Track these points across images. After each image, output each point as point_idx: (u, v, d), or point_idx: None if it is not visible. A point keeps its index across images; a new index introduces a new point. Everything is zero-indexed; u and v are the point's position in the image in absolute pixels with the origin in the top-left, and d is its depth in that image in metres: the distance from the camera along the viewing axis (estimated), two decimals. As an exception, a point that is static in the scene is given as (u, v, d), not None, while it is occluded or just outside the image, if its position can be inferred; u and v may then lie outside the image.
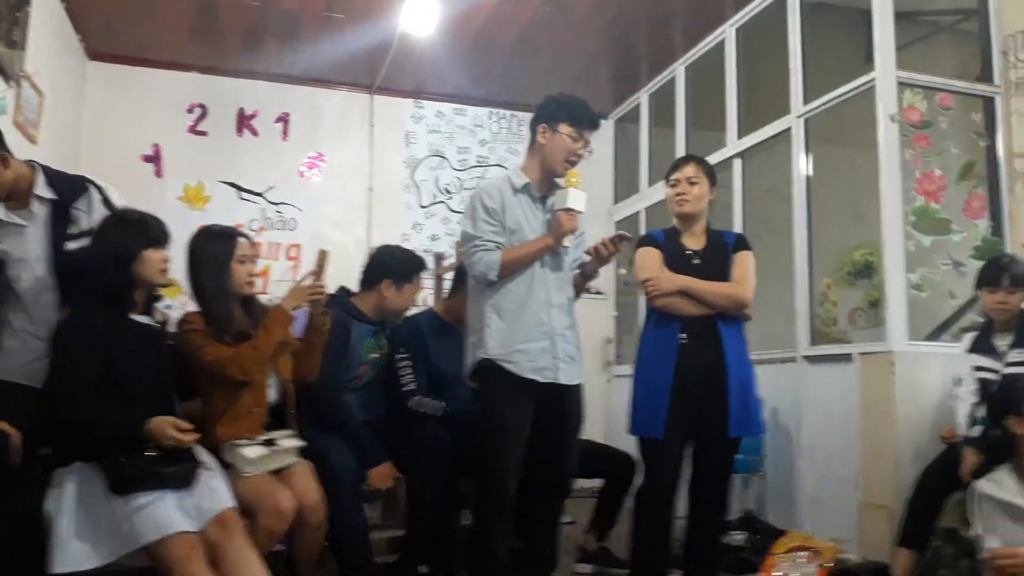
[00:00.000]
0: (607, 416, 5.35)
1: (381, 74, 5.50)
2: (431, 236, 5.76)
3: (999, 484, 2.46)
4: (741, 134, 4.74)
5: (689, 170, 2.87)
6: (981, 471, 2.70)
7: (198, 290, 2.52)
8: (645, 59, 5.49)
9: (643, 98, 5.89)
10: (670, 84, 5.52)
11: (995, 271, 3.05)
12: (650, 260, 2.83)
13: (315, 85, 5.67)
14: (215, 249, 2.53)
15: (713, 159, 4.93)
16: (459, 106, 6.01)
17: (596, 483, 3.54)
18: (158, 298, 2.45)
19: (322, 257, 2.67)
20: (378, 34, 4.90)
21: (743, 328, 2.86)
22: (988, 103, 3.84)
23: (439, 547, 2.89)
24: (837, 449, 3.76)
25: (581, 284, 2.84)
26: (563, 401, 2.68)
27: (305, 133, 5.66)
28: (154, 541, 2.05)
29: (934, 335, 3.70)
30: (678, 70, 5.41)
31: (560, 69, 5.35)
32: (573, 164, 2.71)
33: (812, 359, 3.99)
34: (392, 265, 3.16)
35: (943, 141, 3.75)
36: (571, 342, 2.72)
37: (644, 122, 5.86)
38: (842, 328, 3.87)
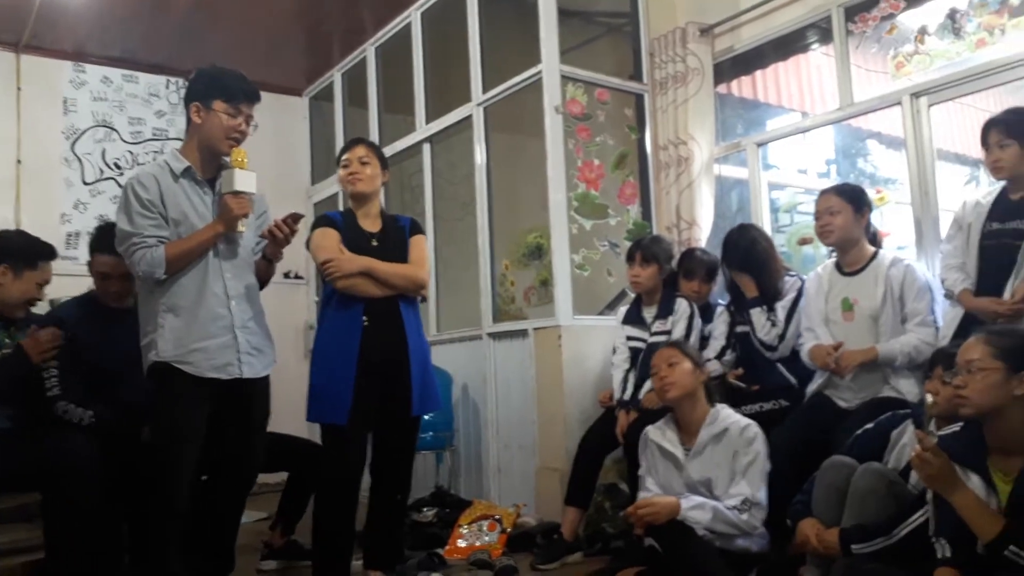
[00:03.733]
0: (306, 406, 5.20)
1: (28, 29, 4.77)
2: (98, 216, 5.10)
3: (663, 433, 2.78)
4: (429, 119, 4.83)
5: (360, 151, 2.85)
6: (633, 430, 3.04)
7: None
8: (336, 36, 5.36)
9: (336, 77, 5.77)
10: (362, 64, 5.46)
11: (632, 249, 3.45)
12: (328, 241, 2.76)
13: (-60, 37, 4.79)
14: None
15: (404, 143, 4.99)
16: (129, 72, 5.41)
17: (282, 477, 3.44)
18: None
19: None
20: (17, -19, 4.25)
21: (420, 309, 2.91)
22: (639, 99, 4.28)
23: (88, 570, 2.58)
24: (518, 419, 4.01)
25: (266, 270, 2.71)
26: (248, 396, 2.56)
27: (-71, 94, 4.76)
28: None
29: (611, 307, 4.04)
30: (369, 50, 5.37)
31: (249, 40, 5.05)
32: (237, 142, 2.55)
33: (495, 336, 4.20)
34: (8, 249, 2.76)
35: (601, 133, 4.12)
36: (256, 333, 2.59)
37: (338, 101, 5.75)
38: (519, 306, 4.12)
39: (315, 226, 2.86)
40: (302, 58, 5.68)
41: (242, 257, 2.58)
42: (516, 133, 4.46)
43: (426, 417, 4.00)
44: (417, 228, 2.93)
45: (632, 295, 3.59)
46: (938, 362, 2.30)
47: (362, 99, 5.44)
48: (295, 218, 2.57)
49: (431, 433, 4.08)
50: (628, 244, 3.74)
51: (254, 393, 2.58)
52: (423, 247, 2.88)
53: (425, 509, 3.81)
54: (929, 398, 2.11)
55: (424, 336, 2.89)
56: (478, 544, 3.38)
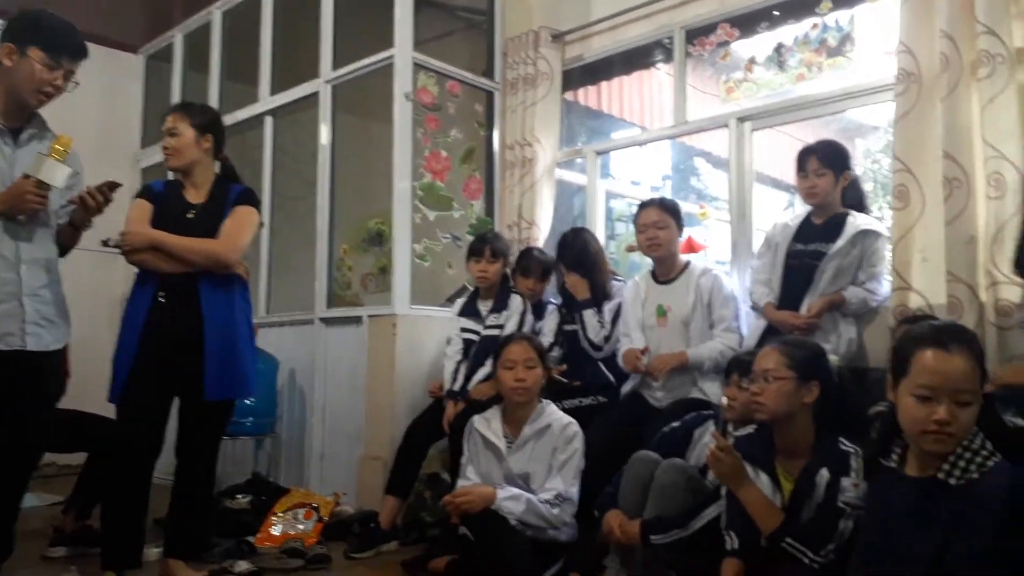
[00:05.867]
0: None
1: None
2: None
3: (489, 424, 2.81)
4: (274, 91, 4.65)
5: (168, 121, 2.66)
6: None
7: None
8: (180, -6, 5.06)
9: (177, 37, 5.41)
10: (206, 27, 5.16)
11: (480, 244, 3.46)
12: (136, 213, 2.59)
13: None
14: None
15: (245, 113, 4.77)
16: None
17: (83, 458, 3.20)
18: None
19: None
20: None
21: (239, 286, 2.74)
22: (489, 97, 4.32)
23: None
24: (346, 407, 3.94)
25: (71, 237, 2.49)
26: (35, 370, 2.33)
27: None
28: None
29: (453, 300, 4.02)
30: (215, 13, 5.09)
31: (84, -14, 4.64)
32: (48, 97, 2.33)
33: (328, 321, 4.11)
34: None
35: (451, 126, 4.13)
36: (49, 303, 2.36)
37: (178, 63, 5.40)
38: (355, 292, 4.04)
39: (135, 196, 2.69)
40: (141, 14, 5.34)
41: (42, 220, 2.35)
42: (365, 116, 4.38)
43: (247, 402, 3.87)
44: (246, 199, 2.73)
45: (471, 288, 3.62)
46: (734, 369, 2.47)
47: (203, 63, 5.14)
48: (111, 186, 2.37)
49: (251, 419, 3.93)
50: (471, 238, 3.77)
51: (42, 368, 2.36)
52: (243, 220, 2.67)
53: (239, 496, 3.66)
54: (725, 401, 2.27)
55: (238, 316, 2.68)
56: (292, 532, 3.30)
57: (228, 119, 4.82)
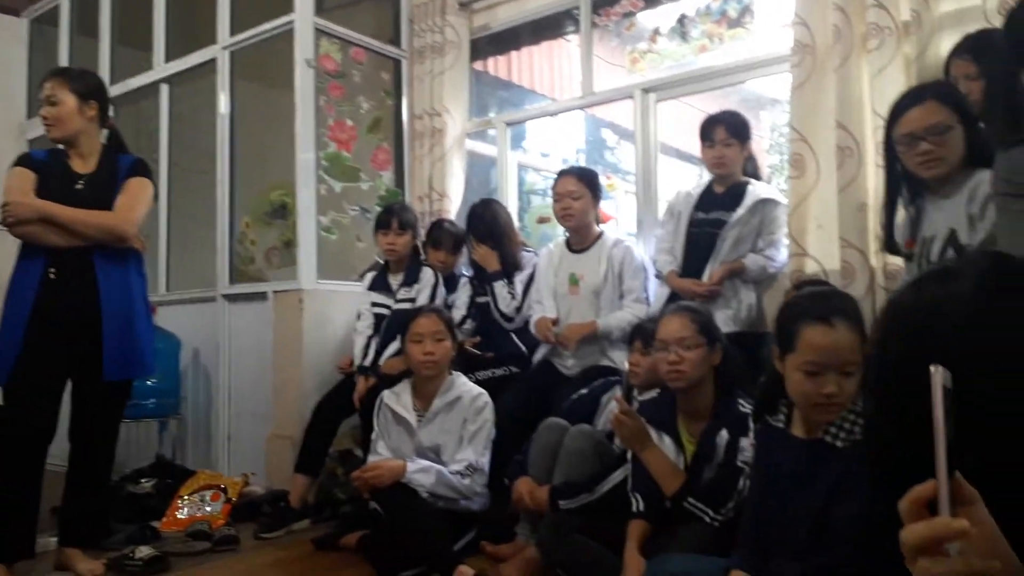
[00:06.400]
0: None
1: None
2: None
3: (398, 396, 2.77)
4: (169, 58, 4.43)
5: (46, 87, 2.51)
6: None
7: None
8: (64, -47, 4.74)
9: (63, -1, 5.09)
10: (95, -12, 4.87)
11: (386, 216, 3.40)
12: (17, 182, 2.43)
13: None
14: None
15: (139, 81, 4.54)
16: None
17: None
18: None
19: None
20: None
21: (134, 261, 2.62)
22: (396, 65, 4.22)
23: None
24: (252, 386, 3.84)
25: None
26: None
27: None
28: None
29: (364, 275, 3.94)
30: (103, -27, 4.80)
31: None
32: None
33: (231, 297, 3.98)
34: None
35: (355, 94, 4.02)
36: None
37: (64, 27, 5.08)
38: (259, 266, 3.91)
39: (13, 165, 2.52)
40: (22, -28, 4.96)
41: None
42: (266, 84, 4.21)
43: (149, 383, 3.74)
44: (138, 170, 2.61)
45: (382, 262, 3.56)
46: (637, 336, 2.51)
47: (92, 28, 4.85)
48: None
49: (153, 400, 3.79)
50: (380, 210, 3.69)
51: None
52: (138, 192, 2.57)
53: (143, 480, 3.53)
54: (626, 366, 2.31)
55: (135, 292, 2.59)
56: (199, 515, 3.20)
57: (120, 87, 4.62)
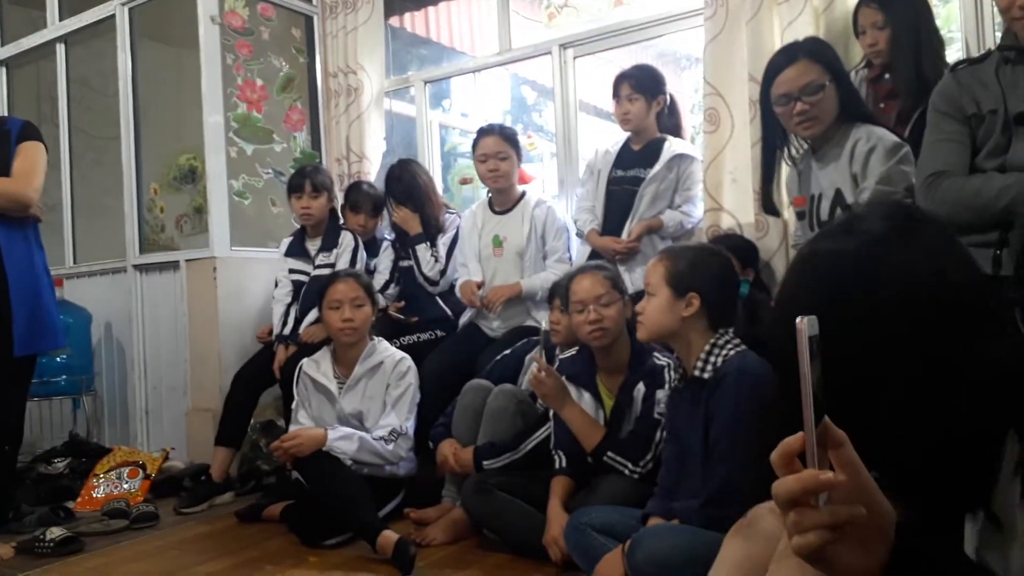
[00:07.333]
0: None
1: None
2: None
3: (318, 364, 2.70)
4: (64, 15, 4.17)
5: None
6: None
7: None
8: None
9: (-60, -49, 4.72)
10: (-23, -60, 4.53)
11: (299, 179, 3.30)
12: None
13: None
14: None
15: (32, 41, 4.28)
16: None
17: None
18: None
19: None
20: None
21: (32, 230, 2.49)
22: (308, 21, 4.06)
23: None
24: (168, 359, 3.72)
25: None
26: None
27: None
28: None
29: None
30: (-15, -77, 4.47)
31: None
32: None
33: (142, 268, 3.82)
34: None
35: (265, 52, 3.86)
36: None
37: (-57, -17, 4.73)
38: (170, 235, 3.76)
39: None
40: None
41: None
42: (170, 43, 4.00)
43: (59, 359, 3.58)
44: (29, 134, 2.48)
45: (299, 226, 3.46)
46: (556, 294, 2.51)
47: (-23, -17, 4.53)
48: None
49: (64, 377, 3.64)
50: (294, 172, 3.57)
51: None
52: (34, 157, 2.45)
53: (56, 460, 3.40)
54: (544, 325, 2.31)
55: (37, 261, 2.48)
56: (116, 493, 3.11)
57: (12, 48, 4.35)
